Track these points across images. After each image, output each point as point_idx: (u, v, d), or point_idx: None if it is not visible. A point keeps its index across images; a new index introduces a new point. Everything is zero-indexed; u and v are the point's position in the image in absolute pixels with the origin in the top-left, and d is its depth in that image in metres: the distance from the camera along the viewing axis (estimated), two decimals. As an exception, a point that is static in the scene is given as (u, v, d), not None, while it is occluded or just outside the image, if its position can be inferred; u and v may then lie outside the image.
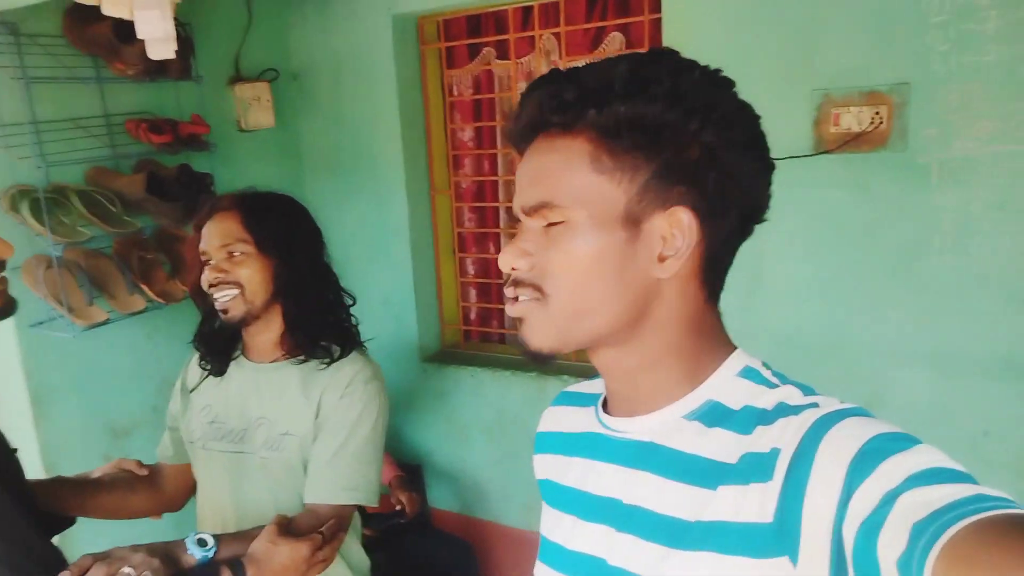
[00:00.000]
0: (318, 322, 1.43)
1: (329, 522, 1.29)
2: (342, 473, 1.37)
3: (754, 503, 0.60)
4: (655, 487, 0.68)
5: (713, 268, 0.69)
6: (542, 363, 0.70)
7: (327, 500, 1.35)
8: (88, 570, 1.02)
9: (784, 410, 0.63)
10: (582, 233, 0.65)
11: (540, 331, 0.68)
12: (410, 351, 2.86)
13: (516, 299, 0.69)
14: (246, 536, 1.22)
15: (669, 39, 2.07)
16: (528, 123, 0.69)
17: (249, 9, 2.62)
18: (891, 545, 0.48)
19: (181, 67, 2.22)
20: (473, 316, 2.99)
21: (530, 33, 2.56)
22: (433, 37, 2.75)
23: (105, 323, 2.10)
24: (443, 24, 2.72)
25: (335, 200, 2.87)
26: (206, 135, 2.36)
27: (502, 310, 2.84)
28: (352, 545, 1.48)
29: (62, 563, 1.04)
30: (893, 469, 0.52)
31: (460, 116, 2.83)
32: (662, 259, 0.65)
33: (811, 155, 1.96)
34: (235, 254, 1.37)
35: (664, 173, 0.64)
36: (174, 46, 1.96)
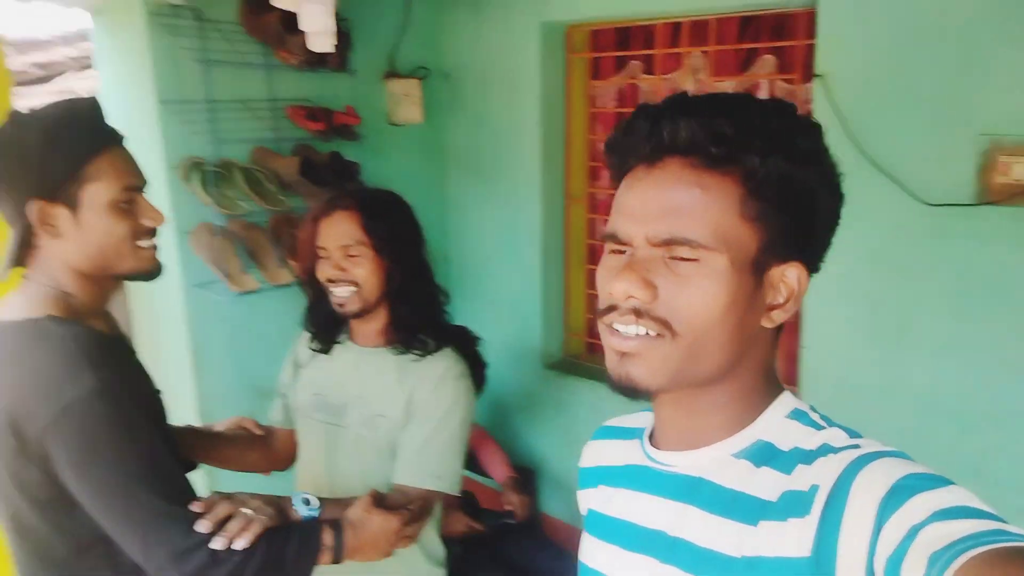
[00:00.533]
0: (419, 318, 1.51)
1: (418, 503, 1.37)
2: (431, 461, 1.44)
3: (792, 538, 0.62)
4: (700, 521, 0.69)
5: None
6: (635, 398, 0.69)
7: (416, 483, 1.43)
8: (215, 505, 1.12)
9: (826, 450, 0.65)
10: (722, 277, 0.64)
11: (656, 369, 0.66)
12: (533, 356, 2.91)
13: (635, 334, 0.66)
14: (343, 503, 1.30)
15: (822, 66, 1.99)
16: (661, 144, 0.65)
17: (407, 8, 2.75)
18: (910, 573, 0.51)
19: (339, 60, 2.36)
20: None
21: (678, 50, 2.54)
22: (581, 46, 2.77)
23: (256, 291, 2.28)
24: (592, 34, 2.74)
25: (474, 199, 2.97)
26: (357, 126, 2.49)
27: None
28: (430, 533, 1.55)
29: (194, 495, 1.15)
30: (920, 505, 0.54)
31: (601, 127, 2.84)
32: (771, 309, 0.68)
33: (972, 205, 1.81)
34: (353, 254, 1.45)
35: (792, 229, 0.66)
36: (333, 40, 2.10)
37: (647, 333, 0.65)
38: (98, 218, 1.14)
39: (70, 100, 1.19)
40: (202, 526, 1.08)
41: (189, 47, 2.17)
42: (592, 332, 2.98)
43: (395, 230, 1.48)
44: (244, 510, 1.14)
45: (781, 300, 0.68)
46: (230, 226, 2.29)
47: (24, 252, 1.18)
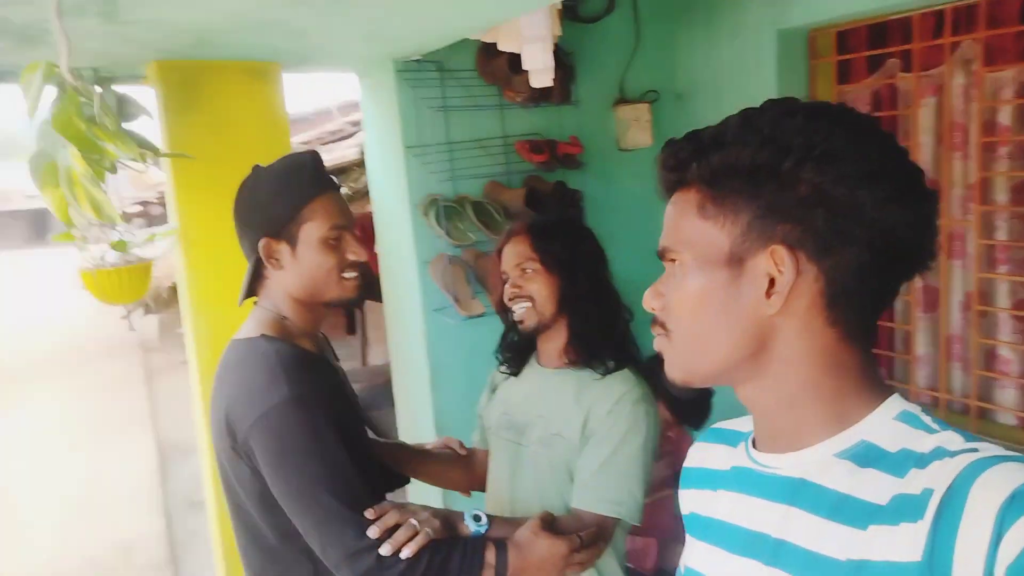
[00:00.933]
0: (597, 335, 1.51)
1: (590, 529, 1.34)
2: (607, 485, 1.41)
3: (904, 542, 0.60)
4: (805, 524, 0.69)
5: (842, 304, 0.68)
6: (684, 393, 0.77)
7: (591, 508, 1.41)
8: (386, 513, 1.23)
9: (940, 453, 0.62)
10: (689, 273, 0.71)
11: (670, 364, 0.76)
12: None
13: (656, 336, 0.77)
14: (514, 523, 1.33)
15: None
16: (662, 183, 0.76)
17: (637, 33, 2.75)
18: None
19: (562, 93, 2.46)
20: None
21: (942, 40, 2.17)
22: (826, 50, 2.52)
23: (482, 315, 2.46)
24: (837, 36, 2.48)
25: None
26: (580, 154, 2.56)
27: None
28: (610, 560, 1.50)
29: (371, 502, 1.25)
30: None
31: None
32: (769, 295, 0.68)
33: None
34: (526, 271, 1.53)
35: (766, 214, 0.67)
36: (551, 75, 2.20)
37: (662, 335, 0.76)
38: (311, 252, 1.35)
39: (295, 155, 1.43)
40: (372, 532, 1.19)
41: (430, 96, 2.44)
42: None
43: (565, 248, 1.54)
44: (412, 520, 1.22)
45: (765, 285, 0.68)
46: (463, 255, 2.50)
47: (256, 283, 1.45)
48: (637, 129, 2.74)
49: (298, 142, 4.55)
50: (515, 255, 1.55)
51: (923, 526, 0.59)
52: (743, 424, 0.85)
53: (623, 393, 1.47)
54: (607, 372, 1.50)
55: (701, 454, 0.89)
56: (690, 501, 0.87)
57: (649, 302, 0.77)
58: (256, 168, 1.40)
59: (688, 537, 0.85)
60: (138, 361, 8.44)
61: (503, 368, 1.69)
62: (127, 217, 5.07)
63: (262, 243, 1.34)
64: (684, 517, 0.87)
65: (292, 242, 1.34)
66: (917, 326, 2.46)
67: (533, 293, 1.52)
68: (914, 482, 0.62)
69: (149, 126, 2.01)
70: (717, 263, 0.70)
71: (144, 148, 1.59)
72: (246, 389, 1.29)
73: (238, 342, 1.38)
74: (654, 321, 0.77)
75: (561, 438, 1.50)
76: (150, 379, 7.72)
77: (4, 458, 5.79)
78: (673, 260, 0.74)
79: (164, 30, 1.79)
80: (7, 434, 6.53)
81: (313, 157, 1.40)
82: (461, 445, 1.75)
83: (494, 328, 2.52)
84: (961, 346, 2.40)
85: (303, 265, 1.35)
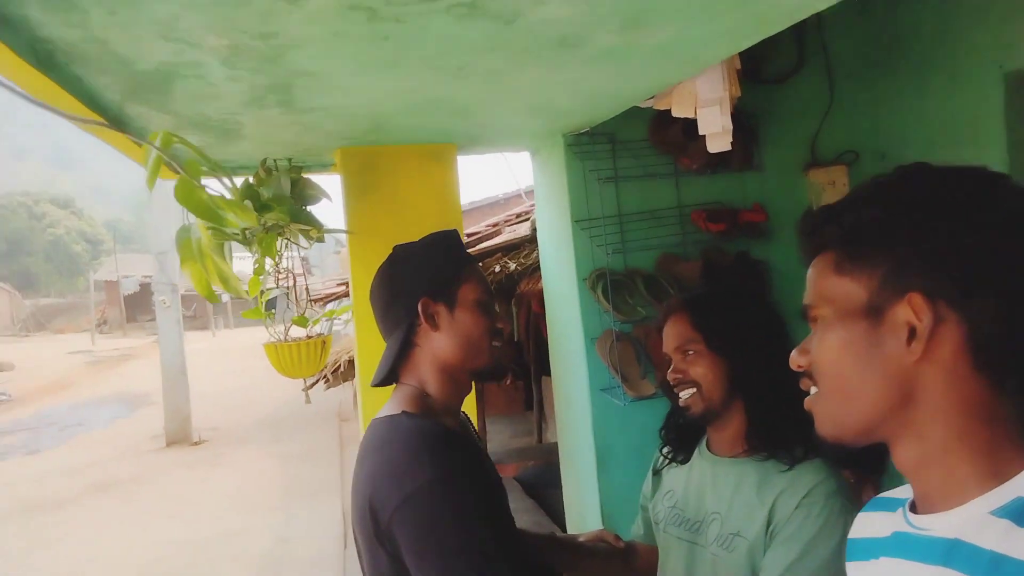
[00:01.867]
0: (780, 419, 1.31)
1: None
2: None
3: None
4: None
5: (990, 350, 0.67)
6: (836, 453, 0.79)
7: None
8: None
9: None
10: (831, 327, 0.74)
11: (820, 420, 0.78)
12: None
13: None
14: None
15: None
16: (802, 250, 0.80)
17: (831, 92, 2.51)
18: None
19: (742, 157, 2.27)
20: None
21: None
22: (1069, 91, 2.13)
23: (653, 396, 2.27)
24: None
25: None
26: (764, 222, 2.33)
27: None
28: None
29: None
30: None
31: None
32: (909, 343, 0.68)
33: None
34: (689, 353, 1.38)
35: (901, 265, 0.69)
36: (730, 138, 2.04)
37: (814, 392, 0.78)
38: (469, 313, 1.34)
39: (438, 232, 1.42)
40: None
41: (599, 168, 2.36)
42: None
43: (729, 324, 1.37)
44: None
45: (906, 334, 0.68)
46: (633, 332, 2.34)
47: (400, 360, 1.41)
48: (832, 193, 2.46)
49: (486, 224, 4.71)
50: (675, 336, 1.41)
51: None
52: (904, 492, 0.85)
53: (814, 484, 1.26)
54: (795, 462, 1.29)
55: (864, 525, 0.88)
56: (854, 572, 0.86)
57: (796, 360, 0.79)
58: (397, 247, 1.41)
59: None
60: (334, 431, 9.01)
61: (667, 452, 1.52)
62: (327, 298, 5.47)
63: (422, 302, 1.33)
64: None
65: (451, 303, 1.34)
66: None
67: (697, 377, 1.36)
68: None
69: (332, 209, 2.13)
70: (856, 315, 0.72)
71: (310, 226, 1.63)
72: (389, 470, 1.23)
73: (379, 421, 1.34)
74: (803, 377, 0.79)
75: (741, 539, 1.30)
76: (343, 447, 8.16)
77: (212, 515, 6.32)
78: (815, 318, 0.77)
79: (339, 117, 1.87)
80: (216, 492, 7.15)
81: (457, 232, 1.42)
82: (617, 538, 1.59)
83: (665, 410, 2.34)
84: None
85: (460, 326, 1.33)
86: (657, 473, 1.58)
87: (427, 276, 1.35)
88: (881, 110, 2.56)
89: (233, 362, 17.49)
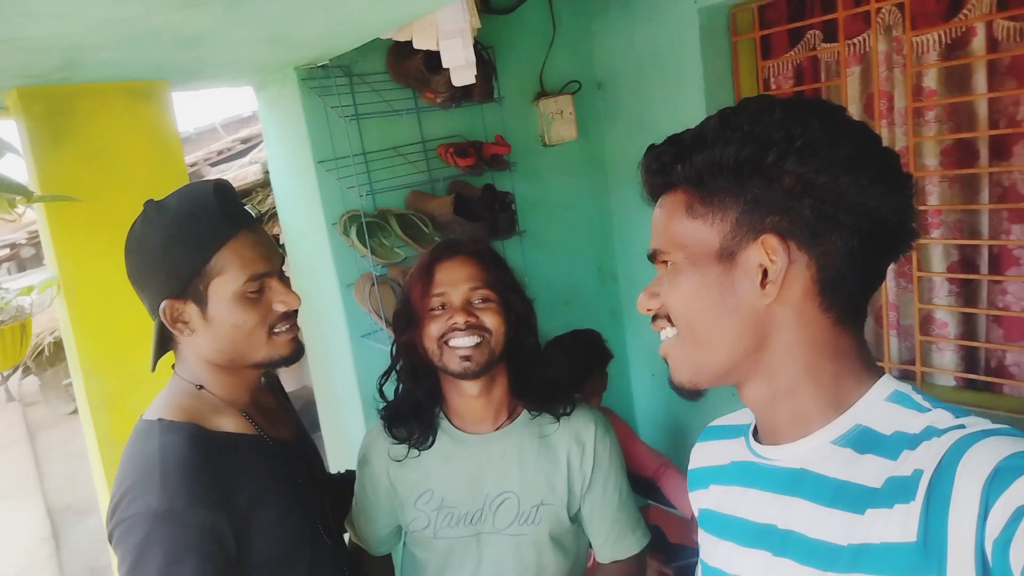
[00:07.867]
0: (541, 375, 1.35)
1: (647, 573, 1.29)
2: (632, 517, 1.35)
3: (898, 524, 0.61)
4: (808, 513, 0.69)
5: (835, 289, 0.69)
6: (688, 398, 0.77)
7: (635, 550, 1.34)
8: None
9: (930, 433, 0.64)
10: (683, 272, 0.73)
11: (676, 367, 0.77)
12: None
13: (665, 337, 0.78)
14: None
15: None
16: (647, 187, 0.78)
17: (553, 23, 2.60)
18: (1018, 557, 0.51)
19: (484, 90, 2.27)
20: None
21: (864, 8, 2.14)
22: (747, 27, 2.46)
23: (419, 335, 2.25)
24: (758, 11, 2.42)
25: (639, 211, 2.74)
26: (508, 154, 2.39)
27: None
28: None
29: None
30: None
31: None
32: (763, 285, 0.69)
33: None
34: (482, 301, 1.28)
35: (753, 207, 0.68)
36: (474, 71, 2.01)
37: (670, 336, 0.77)
38: (226, 311, 1.10)
39: (194, 187, 1.15)
40: None
41: (339, 104, 2.20)
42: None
43: (513, 282, 1.35)
44: None
45: (759, 277, 0.69)
46: (391, 273, 2.28)
47: (164, 348, 1.20)
48: (561, 122, 2.59)
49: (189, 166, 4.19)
50: (465, 278, 1.28)
51: (915, 507, 0.60)
52: (738, 418, 0.87)
53: (595, 420, 1.34)
54: (564, 413, 1.33)
55: (703, 455, 0.90)
56: (700, 500, 0.88)
57: (645, 303, 0.77)
58: (147, 207, 1.13)
59: (702, 532, 0.86)
60: (18, 418, 7.67)
61: (413, 439, 1.33)
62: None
63: (163, 306, 1.09)
64: (698, 515, 0.88)
65: (201, 302, 1.10)
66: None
67: (492, 327, 1.26)
68: (906, 463, 0.63)
69: (14, 163, 1.70)
70: (709, 259, 0.71)
71: (12, 192, 1.28)
72: (121, 486, 1.05)
73: (139, 422, 1.13)
74: (655, 318, 0.77)
75: (547, 506, 1.29)
76: (32, 436, 7.02)
77: None
78: (665, 262, 0.75)
79: (19, 51, 1.48)
80: None
81: (218, 189, 1.13)
82: None
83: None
84: (897, 313, 2.40)
85: (218, 327, 1.11)
86: (389, 478, 1.38)
87: (164, 272, 1.08)
88: (596, 43, 2.74)
89: None
